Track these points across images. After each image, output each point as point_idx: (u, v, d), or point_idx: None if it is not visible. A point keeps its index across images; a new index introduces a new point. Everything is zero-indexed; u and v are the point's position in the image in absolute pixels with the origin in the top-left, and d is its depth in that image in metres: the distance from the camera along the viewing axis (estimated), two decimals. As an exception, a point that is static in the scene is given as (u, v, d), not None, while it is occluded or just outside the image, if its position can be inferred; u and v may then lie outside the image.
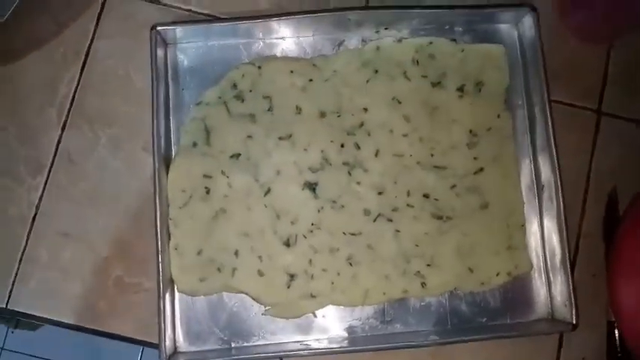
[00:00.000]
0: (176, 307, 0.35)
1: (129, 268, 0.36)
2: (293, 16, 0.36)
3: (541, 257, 0.36)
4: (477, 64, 0.37)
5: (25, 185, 0.37)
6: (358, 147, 0.36)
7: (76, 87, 0.38)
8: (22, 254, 0.37)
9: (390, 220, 0.36)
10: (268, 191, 0.36)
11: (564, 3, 0.37)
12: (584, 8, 0.36)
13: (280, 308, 0.35)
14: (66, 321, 0.36)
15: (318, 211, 0.36)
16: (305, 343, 0.35)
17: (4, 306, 0.36)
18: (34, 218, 0.37)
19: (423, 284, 0.35)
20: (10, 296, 0.36)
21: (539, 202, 0.37)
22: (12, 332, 0.87)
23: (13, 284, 0.36)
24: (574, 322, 0.34)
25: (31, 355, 0.90)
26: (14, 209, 0.37)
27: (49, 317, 0.36)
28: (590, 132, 0.38)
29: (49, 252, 0.37)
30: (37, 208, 0.37)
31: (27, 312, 0.36)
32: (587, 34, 0.38)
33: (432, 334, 0.35)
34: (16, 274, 0.36)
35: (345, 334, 0.35)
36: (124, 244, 0.36)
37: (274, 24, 0.36)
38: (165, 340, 0.33)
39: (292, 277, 0.35)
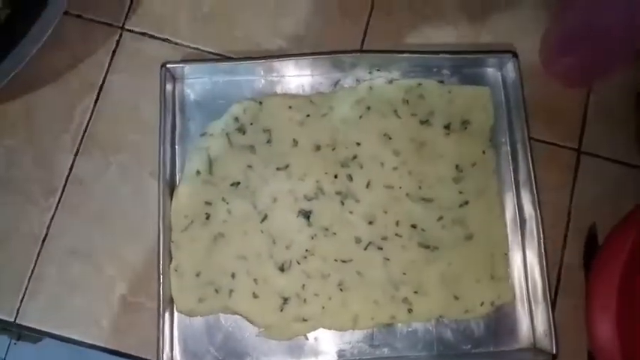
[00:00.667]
0: (175, 326, 0.37)
1: (132, 287, 0.38)
2: (293, 58, 0.39)
3: (524, 288, 0.38)
4: (464, 104, 0.40)
5: (39, 206, 0.40)
6: (351, 178, 0.39)
7: (90, 116, 0.41)
8: (32, 271, 0.39)
9: (380, 249, 0.38)
10: (265, 217, 0.38)
11: (547, 51, 0.40)
12: (566, 57, 0.38)
13: (273, 330, 0.37)
14: (71, 337, 0.38)
15: (312, 237, 0.38)
16: (296, 365, 0.36)
17: (13, 320, 0.38)
18: (44, 237, 0.39)
19: (410, 310, 0.37)
20: (18, 311, 0.38)
21: (521, 235, 0.39)
22: (14, 344, 0.88)
23: (22, 300, 0.38)
24: (554, 352, 0.35)
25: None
26: (26, 227, 0.39)
27: (55, 332, 0.38)
28: (571, 169, 0.40)
29: (57, 269, 0.39)
30: (48, 227, 0.39)
31: (34, 327, 0.38)
32: (568, 80, 0.40)
33: (418, 360, 0.36)
34: (26, 289, 0.38)
35: (335, 357, 0.37)
36: (128, 264, 0.39)
37: (275, 64, 0.39)
38: (162, 358, 0.35)
39: (285, 300, 0.37)
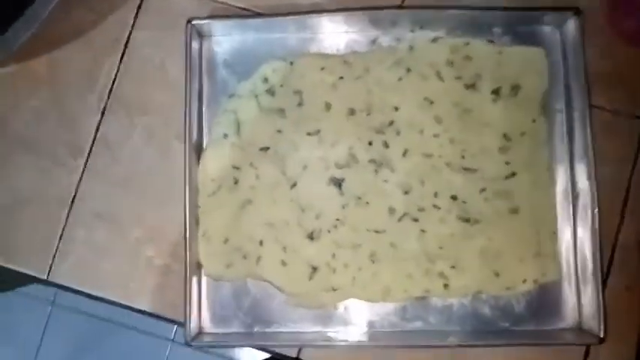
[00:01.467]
0: (202, 290, 0.37)
1: (159, 250, 0.38)
2: (326, 13, 0.36)
3: (572, 266, 0.35)
4: (515, 67, 0.36)
5: (66, 167, 0.39)
6: (386, 145, 0.36)
7: (115, 75, 0.39)
8: (62, 232, 0.39)
9: (416, 220, 0.36)
10: (294, 185, 0.37)
11: (614, 7, 0.35)
12: (634, 14, 0.34)
13: (301, 298, 0.36)
14: (100, 295, 0.38)
15: (343, 207, 0.36)
16: (324, 333, 0.35)
17: (46, 277, 0.39)
18: (73, 199, 0.39)
19: (446, 285, 0.35)
20: (50, 270, 0.39)
21: (573, 211, 0.35)
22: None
23: (53, 259, 0.39)
24: (601, 335, 0.33)
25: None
26: (55, 190, 0.39)
27: (84, 290, 0.38)
28: (633, 140, 0.36)
29: (85, 231, 0.39)
30: (76, 190, 0.39)
31: (65, 284, 0.38)
32: (635, 40, 0.35)
33: (452, 335, 0.34)
34: (57, 249, 0.39)
35: (365, 329, 0.36)
36: (154, 228, 0.38)
37: (308, 20, 0.36)
38: (190, 321, 0.35)
39: (314, 269, 0.36)
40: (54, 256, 0.39)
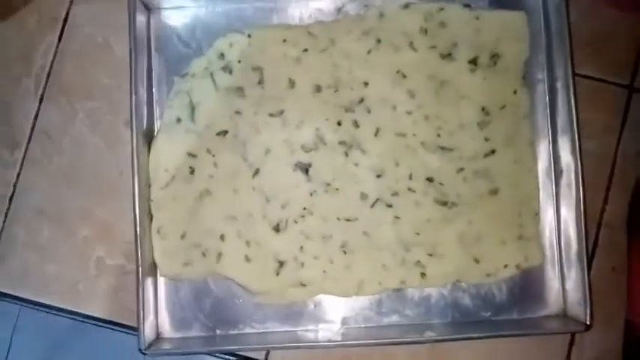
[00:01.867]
0: (159, 291, 0.34)
1: (110, 249, 0.35)
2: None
3: (555, 249, 0.33)
4: (494, 34, 0.33)
5: (2, 161, 0.35)
6: (357, 125, 0.33)
7: (53, 57, 0.35)
8: (0, 233, 0.35)
9: (390, 206, 0.33)
10: (257, 172, 0.33)
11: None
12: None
13: (268, 296, 0.33)
14: (44, 302, 0.34)
15: (311, 194, 0.33)
16: (294, 333, 0.33)
17: (-17, 284, 0.35)
18: (11, 196, 0.35)
19: (423, 274, 0.33)
20: (-12, 277, 0.35)
21: (556, 189, 0.33)
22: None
23: (-9, 264, 0.35)
24: (587, 322, 0.31)
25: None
26: (-8, 186, 0.35)
27: (27, 297, 0.35)
28: (620, 111, 0.34)
29: (26, 231, 0.35)
30: (15, 185, 0.35)
31: (4, 292, 0.35)
32: (621, 3, 0.33)
33: (430, 329, 0.32)
34: (-5, 254, 0.35)
35: (338, 326, 0.33)
36: (104, 225, 0.35)
37: (266, -14, 0.33)
38: (144, 327, 0.31)
39: (281, 263, 0.33)
40: (-9, 261, 0.35)
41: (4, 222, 0.35)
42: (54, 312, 0.34)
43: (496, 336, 0.31)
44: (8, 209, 0.35)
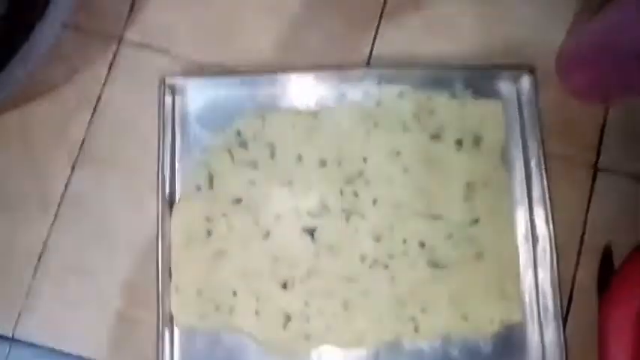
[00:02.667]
0: (175, 342, 0.36)
1: (131, 302, 0.37)
2: (296, 72, 0.37)
3: (534, 308, 0.37)
4: (476, 120, 0.38)
5: (35, 222, 0.39)
6: (356, 195, 0.37)
7: (87, 130, 0.39)
8: (29, 287, 0.38)
9: (386, 267, 0.37)
10: (267, 235, 0.37)
11: (565, 65, 0.38)
12: (584, 72, 0.37)
13: (276, 348, 0.36)
14: (68, 351, 0.37)
15: (316, 255, 0.37)
16: (299, 385, 0.36)
17: (11, 336, 0.38)
18: (41, 253, 0.38)
19: (416, 328, 0.36)
20: (16, 326, 0.38)
21: (533, 254, 0.37)
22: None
23: (19, 315, 0.38)
24: (564, 375, 0.34)
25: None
26: (23, 243, 0.38)
27: (52, 346, 0.37)
28: (587, 186, 0.38)
29: (54, 286, 0.38)
30: (45, 244, 0.38)
31: (31, 342, 0.37)
32: (586, 95, 0.38)
33: (423, 381, 0.35)
34: (22, 305, 0.38)
35: (339, 377, 0.36)
36: (126, 281, 0.38)
37: (279, 77, 0.38)
38: (163, 377, 0.34)
39: (288, 318, 0.36)
40: (19, 312, 0.38)
41: (32, 277, 0.38)
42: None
43: (482, 389, 0.35)
44: (37, 266, 0.38)
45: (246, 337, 0.36)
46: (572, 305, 0.37)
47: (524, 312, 0.37)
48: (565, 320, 0.37)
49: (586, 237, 0.38)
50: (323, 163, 0.38)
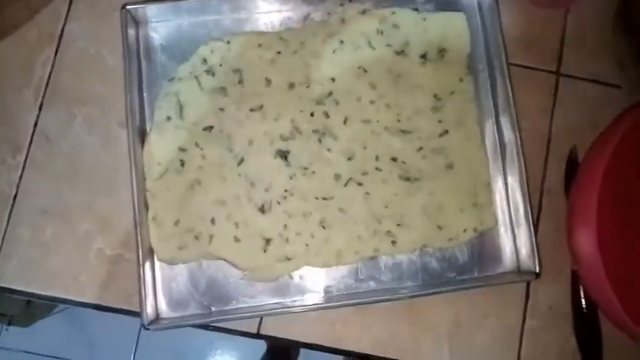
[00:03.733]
0: (157, 275, 0.37)
1: (109, 240, 0.37)
2: (259, -9, 0.37)
3: (506, 213, 0.38)
4: (439, 32, 0.38)
5: (5, 165, 0.38)
6: (327, 115, 0.38)
7: (51, 68, 0.39)
8: (5, 232, 0.37)
9: (360, 184, 0.37)
10: (242, 161, 0.37)
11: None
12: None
13: (257, 272, 0.37)
14: (50, 294, 0.37)
15: (291, 178, 0.37)
16: (283, 304, 0.36)
17: (-9, 283, 0.37)
18: (14, 197, 0.38)
19: (394, 242, 0.37)
20: (-5, 273, 0.37)
21: (502, 161, 0.38)
22: (6, 330, 0.88)
23: (-3, 261, 0.37)
24: (537, 271, 0.35)
25: (25, 352, 0.91)
26: (-5, 189, 0.38)
27: (32, 291, 0.37)
28: (550, 93, 0.39)
29: (30, 229, 0.38)
30: (18, 186, 0.38)
31: (11, 287, 0.37)
32: (543, 0, 0.39)
33: (404, 290, 0.36)
34: (0, 251, 0.37)
35: (322, 294, 0.37)
36: (102, 218, 0.38)
37: (242, 1, 0.37)
38: (146, 308, 0.34)
39: (268, 241, 0.37)
40: (-3, 258, 0.37)
41: (8, 221, 0.38)
42: (59, 303, 0.37)
43: (459, 289, 0.36)
44: (12, 209, 0.38)
45: (228, 265, 0.37)
46: (542, 209, 0.38)
47: (496, 218, 0.38)
48: (536, 224, 0.38)
49: (552, 142, 0.39)
50: (292, 86, 0.38)
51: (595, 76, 0.40)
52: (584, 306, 0.37)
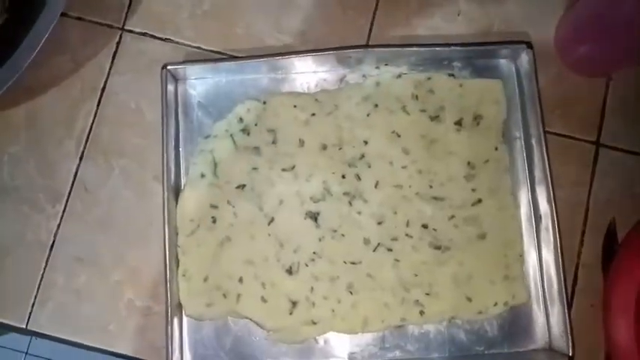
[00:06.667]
0: (184, 330, 0.37)
1: (139, 292, 0.38)
2: (296, 55, 0.38)
3: (539, 287, 0.37)
4: (475, 98, 0.38)
5: (45, 214, 0.39)
6: (359, 178, 0.38)
7: (92, 120, 0.40)
8: (41, 278, 0.39)
9: (390, 250, 0.37)
10: (272, 220, 0.38)
11: (563, 40, 0.38)
12: (583, 45, 0.37)
13: (282, 333, 0.37)
14: (80, 342, 0.38)
15: (320, 240, 0.37)
16: (306, 368, 0.36)
17: (24, 326, 0.38)
18: (52, 245, 0.39)
19: (422, 312, 0.36)
20: (29, 317, 0.38)
21: (536, 233, 0.37)
22: (35, 338, 0.90)
23: (32, 306, 0.38)
24: (570, 353, 0.34)
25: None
26: (33, 235, 0.39)
27: (64, 337, 0.38)
28: (589, 164, 0.38)
29: (65, 276, 0.39)
30: (55, 235, 0.39)
31: (44, 332, 0.38)
32: (585, 70, 0.38)
33: (430, 362, 0.35)
34: (35, 297, 0.38)
35: (346, 360, 0.36)
36: (134, 270, 0.38)
37: (279, 61, 0.38)
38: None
39: (294, 304, 0.37)
40: (33, 304, 0.38)
41: (44, 269, 0.39)
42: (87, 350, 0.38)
43: (489, 367, 0.35)
44: (49, 256, 0.39)
45: (253, 324, 0.37)
46: (578, 284, 0.37)
47: (529, 293, 0.37)
48: (570, 300, 0.37)
49: (589, 214, 0.38)
50: (324, 147, 0.38)
51: (636, 147, 0.38)
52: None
